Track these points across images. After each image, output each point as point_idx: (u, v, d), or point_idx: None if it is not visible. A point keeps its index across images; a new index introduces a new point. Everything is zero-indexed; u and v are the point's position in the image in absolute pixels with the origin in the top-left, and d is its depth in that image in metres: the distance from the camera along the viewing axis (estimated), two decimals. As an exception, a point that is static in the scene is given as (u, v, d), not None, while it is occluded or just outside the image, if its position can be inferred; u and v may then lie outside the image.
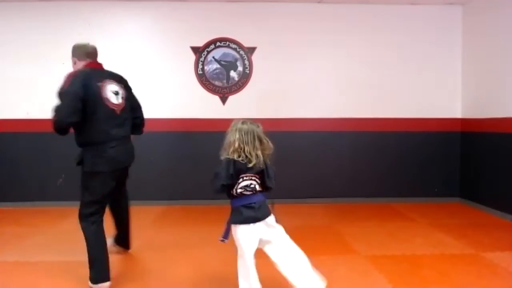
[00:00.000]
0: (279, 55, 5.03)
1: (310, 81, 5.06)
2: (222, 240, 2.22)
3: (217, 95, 5.06)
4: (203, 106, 5.01)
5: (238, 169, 2.15)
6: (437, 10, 5.06)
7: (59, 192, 4.92)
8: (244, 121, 2.25)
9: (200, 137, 4.92)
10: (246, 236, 2.19)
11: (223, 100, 5.06)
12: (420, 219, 4.26)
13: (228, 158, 2.16)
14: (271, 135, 5.01)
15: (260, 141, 2.19)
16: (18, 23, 4.88)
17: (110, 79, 2.72)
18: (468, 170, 5.01)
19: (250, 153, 2.14)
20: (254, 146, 2.16)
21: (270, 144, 2.22)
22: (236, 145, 2.16)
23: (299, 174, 5.06)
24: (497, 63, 4.47)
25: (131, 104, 2.86)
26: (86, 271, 2.86)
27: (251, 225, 2.18)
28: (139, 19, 4.99)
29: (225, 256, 3.14)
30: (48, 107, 4.83)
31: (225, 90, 5.07)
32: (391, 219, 4.32)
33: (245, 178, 2.18)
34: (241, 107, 5.00)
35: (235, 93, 5.06)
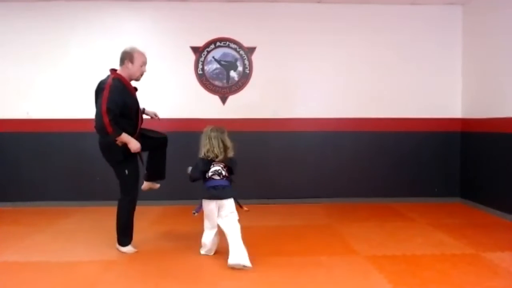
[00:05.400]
0: (279, 55, 5.03)
1: (310, 81, 5.06)
2: (194, 213, 3.09)
3: (217, 95, 5.06)
4: (203, 106, 5.01)
5: (207, 162, 3.07)
6: (437, 10, 5.06)
7: (59, 192, 4.93)
8: (213, 128, 3.14)
9: (200, 137, 4.91)
10: (209, 207, 3.05)
11: (223, 100, 5.06)
12: (420, 219, 4.26)
13: (201, 157, 3.09)
14: (271, 135, 5.07)
15: (223, 142, 3.09)
16: (18, 23, 4.88)
17: None
18: (468, 170, 5.01)
19: (218, 151, 3.06)
20: (219, 146, 3.06)
21: (231, 144, 3.13)
22: (208, 146, 3.08)
23: (299, 174, 5.06)
24: (497, 63, 4.47)
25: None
26: (86, 271, 2.88)
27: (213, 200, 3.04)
28: (139, 19, 4.99)
29: (225, 256, 3.14)
30: (48, 107, 4.89)
31: (225, 90, 5.06)
32: (391, 219, 4.32)
33: (214, 165, 3.07)
34: (241, 107, 5.00)
35: (235, 93, 5.06)
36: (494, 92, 4.52)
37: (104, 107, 2.91)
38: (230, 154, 3.13)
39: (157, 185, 3.54)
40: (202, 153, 3.10)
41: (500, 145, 4.40)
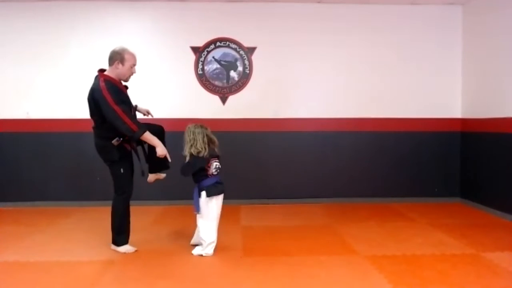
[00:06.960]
0: (279, 55, 5.03)
1: (310, 81, 5.06)
2: (197, 212, 3.15)
3: (217, 95, 5.06)
4: (203, 106, 5.00)
5: (202, 159, 3.06)
6: (437, 10, 5.06)
7: (59, 192, 4.93)
8: (196, 125, 3.14)
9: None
10: (217, 202, 3.18)
11: (223, 100, 5.06)
12: (420, 219, 4.26)
13: (195, 155, 3.05)
14: (271, 135, 5.08)
15: (209, 138, 3.10)
16: (18, 23, 4.88)
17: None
18: (468, 170, 5.01)
19: (203, 147, 3.05)
20: (203, 142, 3.05)
21: (216, 139, 3.16)
22: (192, 142, 3.07)
23: (299, 174, 5.06)
24: (497, 63, 4.47)
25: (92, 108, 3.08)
26: (85, 271, 2.87)
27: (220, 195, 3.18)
28: (139, 19, 4.99)
29: (224, 256, 3.14)
30: (48, 107, 4.88)
31: (225, 90, 5.06)
32: (391, 219, 4.32)
33: (214, 161, 3.13)
34: (241, 107, 5.00)
35: (235, 93, 5.06)
36: (494, 92, 4.52)
37: (117, 109, 2.91)
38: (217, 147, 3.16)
39: (163, 175, 3.46)
40: (190, 149, 3.07)
41: (500, 145, 4.39)
